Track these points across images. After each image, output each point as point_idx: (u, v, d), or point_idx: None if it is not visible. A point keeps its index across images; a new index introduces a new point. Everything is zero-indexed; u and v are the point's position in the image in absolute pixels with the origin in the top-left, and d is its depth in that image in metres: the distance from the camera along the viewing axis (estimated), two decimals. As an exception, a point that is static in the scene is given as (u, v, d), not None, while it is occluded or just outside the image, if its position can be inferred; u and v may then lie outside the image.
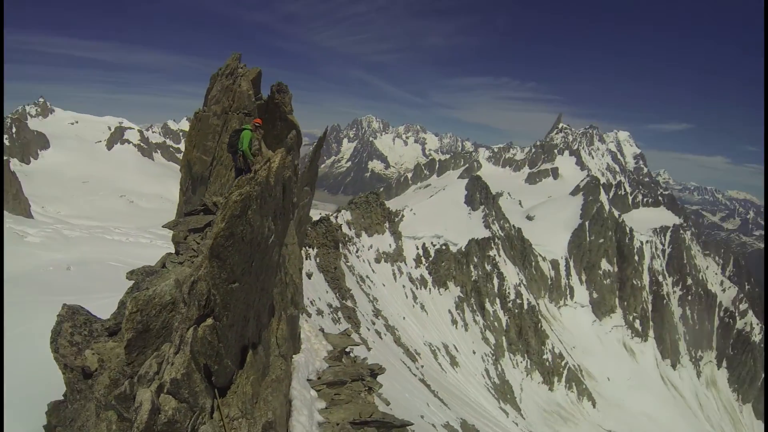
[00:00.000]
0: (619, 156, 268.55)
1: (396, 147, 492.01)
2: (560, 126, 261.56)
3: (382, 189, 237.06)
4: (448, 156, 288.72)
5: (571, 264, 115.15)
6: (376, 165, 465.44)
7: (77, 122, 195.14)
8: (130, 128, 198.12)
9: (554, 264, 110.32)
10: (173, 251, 10.23)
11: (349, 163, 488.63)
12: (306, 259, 33.54)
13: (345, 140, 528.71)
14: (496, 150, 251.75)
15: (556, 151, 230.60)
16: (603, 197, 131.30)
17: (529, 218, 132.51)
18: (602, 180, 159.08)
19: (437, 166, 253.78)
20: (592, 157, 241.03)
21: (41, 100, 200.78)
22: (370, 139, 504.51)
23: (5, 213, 79.44)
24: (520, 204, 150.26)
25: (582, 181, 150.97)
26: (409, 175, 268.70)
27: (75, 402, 6.68)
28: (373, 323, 37.03)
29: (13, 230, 69.03)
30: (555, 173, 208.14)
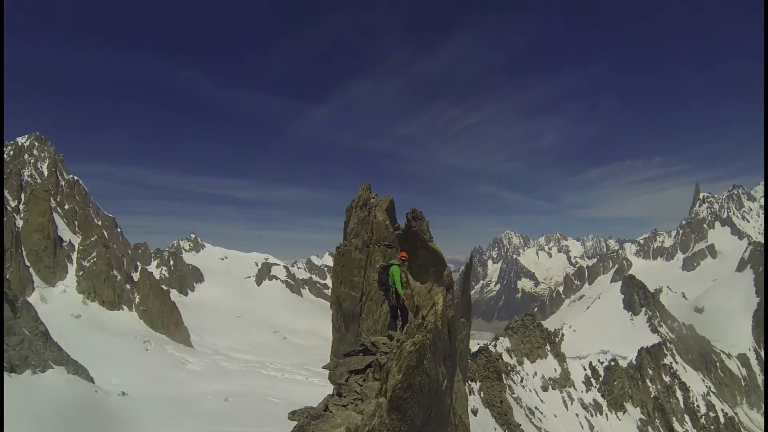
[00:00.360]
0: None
1: (541, 260, 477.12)
2: (701, 196, 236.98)
3: (536, 308, 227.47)
4: (595, 260, 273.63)
5: (762, 354, 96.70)
6: (525, 284, 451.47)
7: (226, 258, 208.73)
8: (276, 264, 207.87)
9: (743, 360, 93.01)
10: (332, 392, 10.23)
11: (498, 285, 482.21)
12: (470, 394, 32.87)
13: (489, 262, 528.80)
14: (642, 242, 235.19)
15: (705, 225, 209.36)
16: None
17: (699, 311, 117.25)
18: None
19: (586, 273, 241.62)
20: (747, 221, 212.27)
21: (193, 235, 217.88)
22: (514, 256, 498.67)
23: (171, 341, 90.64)
24: (683, 296, 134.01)
25: (744, 251, 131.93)
26: (561, 288, 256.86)
27: None
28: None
29: (176, 357, 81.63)
30: (712, 251, 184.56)
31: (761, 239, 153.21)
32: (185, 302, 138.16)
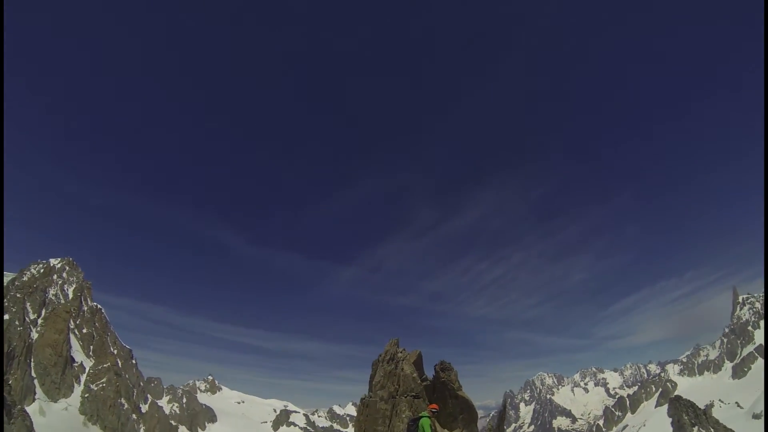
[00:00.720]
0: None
1: (577, 397, 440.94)
2: (740, 299, 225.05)
3: None
4: (635, 388, 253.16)
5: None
6: (561, 422, 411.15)
7: (243, 402, 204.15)
8: (296, 412, 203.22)
9: None
10: None
11: (532, 427, 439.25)
12: None
13: (522, 404, 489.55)
14: (685, 360, 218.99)
15: (749, 327, 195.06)
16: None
17: (757, 416, 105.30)
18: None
19: (627, 402, 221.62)
20: None
21: (210, 377, 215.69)
22: (548, 396, 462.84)
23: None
24: (738, 405, 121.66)
25: None
26: (601, 422, 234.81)
27: None
28: None
29: None
30: (761, 351, 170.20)
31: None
32: None
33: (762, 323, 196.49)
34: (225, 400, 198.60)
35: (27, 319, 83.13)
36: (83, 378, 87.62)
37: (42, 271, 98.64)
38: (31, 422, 47.61)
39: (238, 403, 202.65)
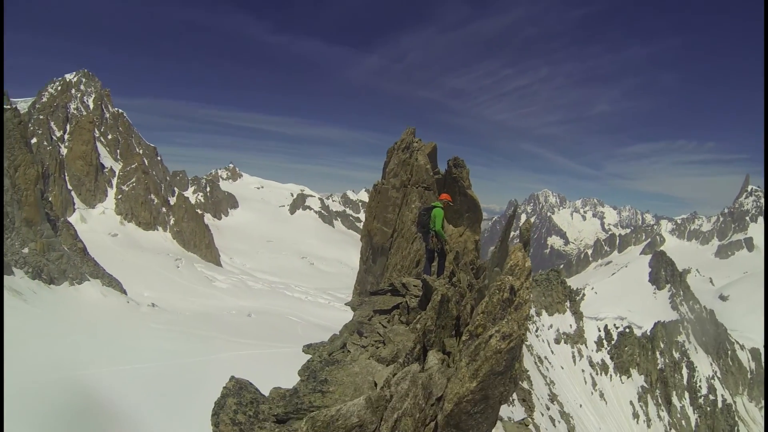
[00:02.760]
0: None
1: (574, 222, 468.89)
2: (749, 188, 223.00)
3: (562, 266, 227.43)
4: (628, 230, 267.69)
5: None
6: (555, 241, 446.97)
7: (263, 187, 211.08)
8: (311, 196, 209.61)
9: (754, 354, 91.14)
10: (352, 328, 9.38)
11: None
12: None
13: (523, 215, 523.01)
14: (679, 222, 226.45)
15: (747, 218, 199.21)
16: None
17: (723, 298, 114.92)
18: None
19: (618, 241, 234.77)
20: None
21: (231, 165, 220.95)
22: (548, 214, 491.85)
23: (201, 260, 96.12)
24: (711, 282, 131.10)
25: None
26: (590, 251, 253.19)
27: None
28: (548, 408, 35.60)
29: (205, 274, 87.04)
30: (749, 244, 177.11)
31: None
32: (218, 226, 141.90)
33: (761, 219, 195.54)
34: (246, 186, 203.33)
35: (54, 137, 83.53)
36: (114, 181, 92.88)
37: (59, 88, 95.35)
38: (75, 230, 52.40)
39: (258, 188, 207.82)
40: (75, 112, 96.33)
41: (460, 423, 4.82)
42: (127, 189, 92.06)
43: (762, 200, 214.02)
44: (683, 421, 63.60)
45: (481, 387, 4.73)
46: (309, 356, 8.68)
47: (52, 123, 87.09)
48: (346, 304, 12.81)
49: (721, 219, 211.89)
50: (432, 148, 18.79)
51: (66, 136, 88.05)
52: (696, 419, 64.59)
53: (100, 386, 24.69)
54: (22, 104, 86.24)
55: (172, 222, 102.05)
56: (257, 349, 39.27)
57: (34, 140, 73.38)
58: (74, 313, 38.49)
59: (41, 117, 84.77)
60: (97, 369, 26.90)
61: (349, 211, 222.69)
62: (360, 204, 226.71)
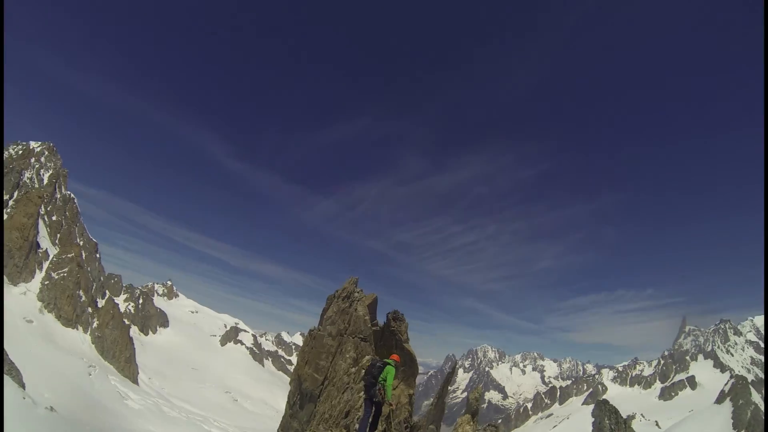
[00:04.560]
0: (761, 344, 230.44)
1: (513, 376, 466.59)
2: (687, 329, 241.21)
3: (500, 420, 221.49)
4: (569, 382, 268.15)
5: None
6: (493, 395, 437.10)
7: (197, 312, 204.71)
8: (245, 331, 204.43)
9: None
10: None
11: (465, 393, 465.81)
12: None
13: (461, 371, 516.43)
14: (620, 369, 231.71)
15: (688, 357, 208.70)
16: (756, 397, 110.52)
17: None
18: (750, 377, 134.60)
19: (558, 393, 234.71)
20: (731, 355, 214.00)
21: (169, 283, 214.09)
22: (487, 369, 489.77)
23: (117, 373, 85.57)
24: (656, 425, 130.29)
25: (726, 384, 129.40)
26: (529, 405, 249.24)
27: None
28: None
29: (118, 389, 76.31)
30: (692, 382, 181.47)
31: (744, 373, 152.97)
32: (144, 341, 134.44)
33: (701, 357, 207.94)
34: (180, 307, 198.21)
35: None
36: (45, 265, 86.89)
37: (20, 152, 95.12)
38: (-13, 303, 47.63)
39: (192, 312, 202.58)
40: (27, 181, 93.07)
41: None
42: (56, 277, 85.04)
43: (701, 338, 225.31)
44: None
45: None
46: None
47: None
48: None
49: (662, 362, 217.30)
50: (373, 300, 19.16)
51: (11, 203, 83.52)
52: None
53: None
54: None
55: (95, 325, 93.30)
56: None
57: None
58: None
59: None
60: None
61: (281, 353, 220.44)
62: (293, 347, 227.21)
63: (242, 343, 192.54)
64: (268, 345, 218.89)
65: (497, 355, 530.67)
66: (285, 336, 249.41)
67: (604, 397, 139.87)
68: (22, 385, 45.25)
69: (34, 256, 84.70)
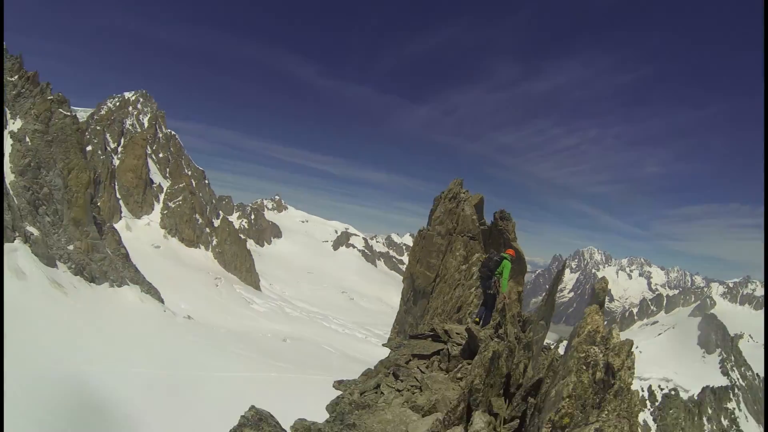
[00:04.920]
0: None
1: (620, 280, 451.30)
2: None
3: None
4: (676, 291, 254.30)
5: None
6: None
7: (307, 221, 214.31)
8: (356, 235, 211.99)
9: None
10: (388, 369, 8.90)
11: (572, 293, 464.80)
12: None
13: (567, 270, 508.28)
14: (731, 285, 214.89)
15: None
16: None
17: None
18: None
19: (665, 302, 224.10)
20: None
21: (277, 197, 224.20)
22: (593, 271, 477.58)
23: (240, 282, 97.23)
24: (765, 348, 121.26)
25: None
26: (635, 310, 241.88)
27: None
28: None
29: (243, 296, 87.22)
30: None
31: None
32: (260, 252, 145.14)
33: None
34: (290, 219, 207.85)
35: (108, 148, 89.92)
36: (162, 197, 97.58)
37: (118, 104, 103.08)
38: (120, 237, 55.04)
39: (302, 222, 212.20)
40: (130, 128, 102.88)
41: None
42: (173, 206, 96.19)
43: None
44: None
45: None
46: (340, 392, 8.26)
47: (107, 135, 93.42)
48: (383, 345, 12.39)
49: None
50: (479, 200, 19.01)
51: (120, 149, 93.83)
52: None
53: (117, 388, 25.10)
54: (82, 113, 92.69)
55: (214, 243, 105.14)
56: (290, 374, 39.18)
57: (89, 148, 78.62)
58: (112, 312, 39.68)
59: (98, 128, 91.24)
60: (124, 369, 27.52)
61: (392, 253, 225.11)
62: (404, 247, 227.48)
63: (354, 246, 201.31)
64: (379, 247, 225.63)
65: (603, 258, 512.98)
66: (395, 237, 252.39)
67: (711, 311, 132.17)
68: (161, 301, 53.86)
69: (150, 191, 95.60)
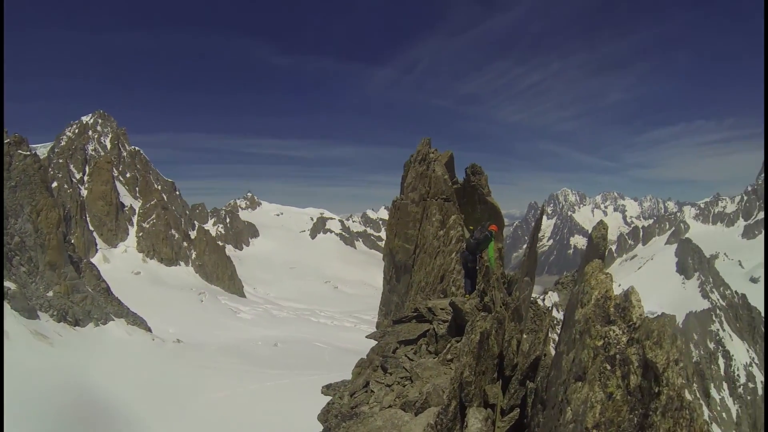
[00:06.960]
0: None
1: (595, 219, 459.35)
2: None
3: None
4: (651, 221, 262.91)
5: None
6: (578, 240, 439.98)
7: (282, 213, 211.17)
8: (331, 218, 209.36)
9: None
10: (376, 363, 8.69)
11: (551, 241, 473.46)
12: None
13: (544, 217, 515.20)
14: (702, 206, 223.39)
15: None
16: None
17: (754, 280, 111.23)
18: None
19: (641, 233, 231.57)
20: None
21: (249, 194, 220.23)
22: (569, 213, 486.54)
23: (224, 292, 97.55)
24: (740, 265, 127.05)
25: None
26: (613, 247, 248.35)
27: None
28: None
29: (229, 307, 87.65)
30: None
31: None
32: (240, 256, 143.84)
33: None
34: (265, 214, 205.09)
35: (74, 179, 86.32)
36: (135, 219, 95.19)
37: (77, 131, 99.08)
38: (98, 271, 53.90)
39: (277, 215, 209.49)
40: (93, 153, 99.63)
41: None
42: (147, 226, 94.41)
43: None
44: (724, 414, 61.19)
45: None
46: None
47: (71, 166, 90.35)
48: (367, 336, 11.97)
49: (745, 198, 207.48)
50: (449, 157, 18.57)
51: (86, 178, 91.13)
52: (737, 410, 62.05)
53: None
54: (42, 150, 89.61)
55: (193, 256, 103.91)
56: (285, 379, 39.60)
57: (54, 184, 76.17)
58: (100, 353, 39.34)
59: (60, 161, 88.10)
60: (124, 406, 27.57)
61: (370, 231, 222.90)
62: (380, 222, 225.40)
63: (331, 231, 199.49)
64: (355, 226, 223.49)
65: (578, 198, 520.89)
66: (370, 213, 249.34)
67: (686, 236, 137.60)
68: (149, 329, 53.41)
69: (123, 215, 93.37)
